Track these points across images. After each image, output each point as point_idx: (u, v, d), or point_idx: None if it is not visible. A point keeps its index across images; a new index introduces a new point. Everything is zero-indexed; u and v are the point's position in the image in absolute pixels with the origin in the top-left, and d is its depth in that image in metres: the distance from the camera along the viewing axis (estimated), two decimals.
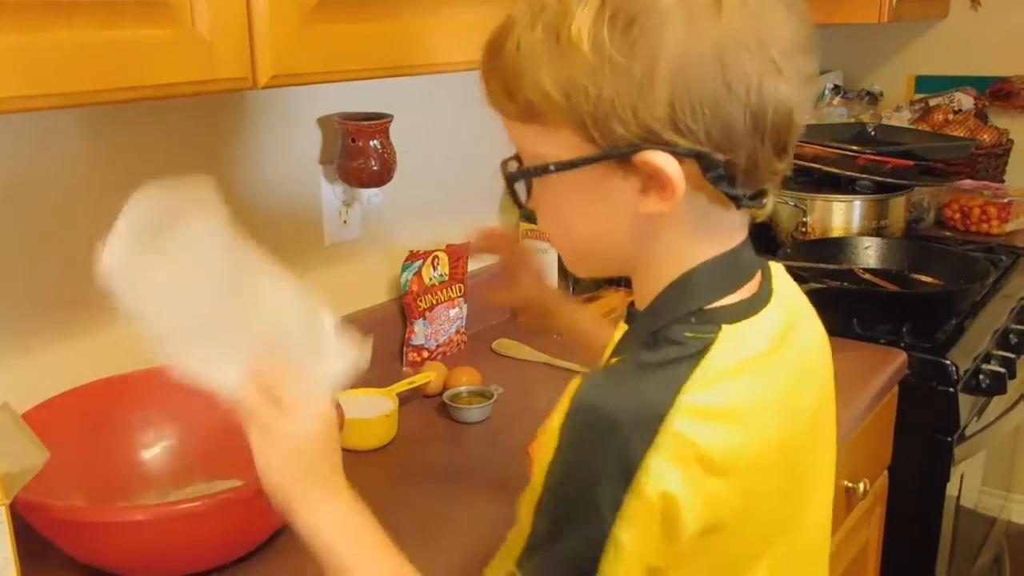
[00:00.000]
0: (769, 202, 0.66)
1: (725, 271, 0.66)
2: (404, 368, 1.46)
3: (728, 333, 0.62)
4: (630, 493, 0.57)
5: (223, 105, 1.21)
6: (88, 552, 0.91)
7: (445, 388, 1.33)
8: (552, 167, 0.63)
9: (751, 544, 0.67)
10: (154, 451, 1.08)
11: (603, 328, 0.99)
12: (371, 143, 1.31)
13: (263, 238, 1.24)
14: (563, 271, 1.65)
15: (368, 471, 1.16)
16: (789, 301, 0.70)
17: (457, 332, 1.53)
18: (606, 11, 0.58)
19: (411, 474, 1.16)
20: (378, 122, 1.32)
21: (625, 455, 0.57)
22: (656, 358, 0.61)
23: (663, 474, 0.57)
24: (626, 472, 0.57)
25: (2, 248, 1.03)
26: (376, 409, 1.21)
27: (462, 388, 1.32)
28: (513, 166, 0.68)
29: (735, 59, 0.58)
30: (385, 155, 1.33)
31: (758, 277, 0.68)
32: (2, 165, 1.02)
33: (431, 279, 1.47)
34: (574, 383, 0.61)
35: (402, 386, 1.31)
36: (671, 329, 0.63)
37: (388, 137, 1.34)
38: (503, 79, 0.63)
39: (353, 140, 1.31)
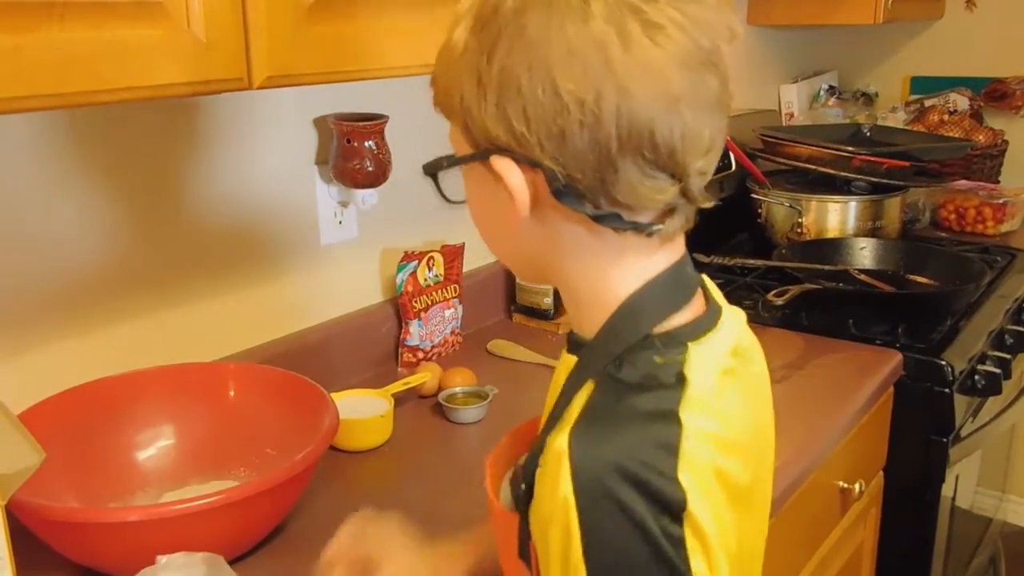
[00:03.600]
0: (670, 226, 0.61)
1: (669, 289, 0.64)
2: (399, 369, 1.46)
3: (696, 352, 0.61)
4: (686, 523, 0.55)
5: (218, 105, 1.21)
6: (83, 553, 0.91)
7: (440, 389, 1.33)
8: (444, 163, 0.66)
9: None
10: (148, 452, 1.08)
11: None
12: (366, 144, 1.31)
13: (259, 239, 1.24)
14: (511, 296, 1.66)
15: (363, 471, 1.16)
16: (733, 315, 0.69)
17: (452, 333, 1.53)
18: (472, 16, 0.60)
19: (406, 475, 1.16)
20: (373, 123, 1.32)
21: (662, 495, 0.55)
22: (636, 390, 0.59)
23: (696, 493, 0.56)
24: (671, 508, 0.55)
25: None
26: (371, 410, 1.21)
27: (457, 389, 1.32)
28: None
29: (566, 70, 0.56)
30: (380, 156, 1.33)
31: (700, 292, 0.67)
32: None
33: (426, 280, 1.47)
34: (560, 447, 0.56)
35: (397, 387, 1.31)
36: (637, 356, 0.60)
37: (383, 138, 1.34)
38: (432, 79, 0.66)
39: (348, 141, 1.31)
